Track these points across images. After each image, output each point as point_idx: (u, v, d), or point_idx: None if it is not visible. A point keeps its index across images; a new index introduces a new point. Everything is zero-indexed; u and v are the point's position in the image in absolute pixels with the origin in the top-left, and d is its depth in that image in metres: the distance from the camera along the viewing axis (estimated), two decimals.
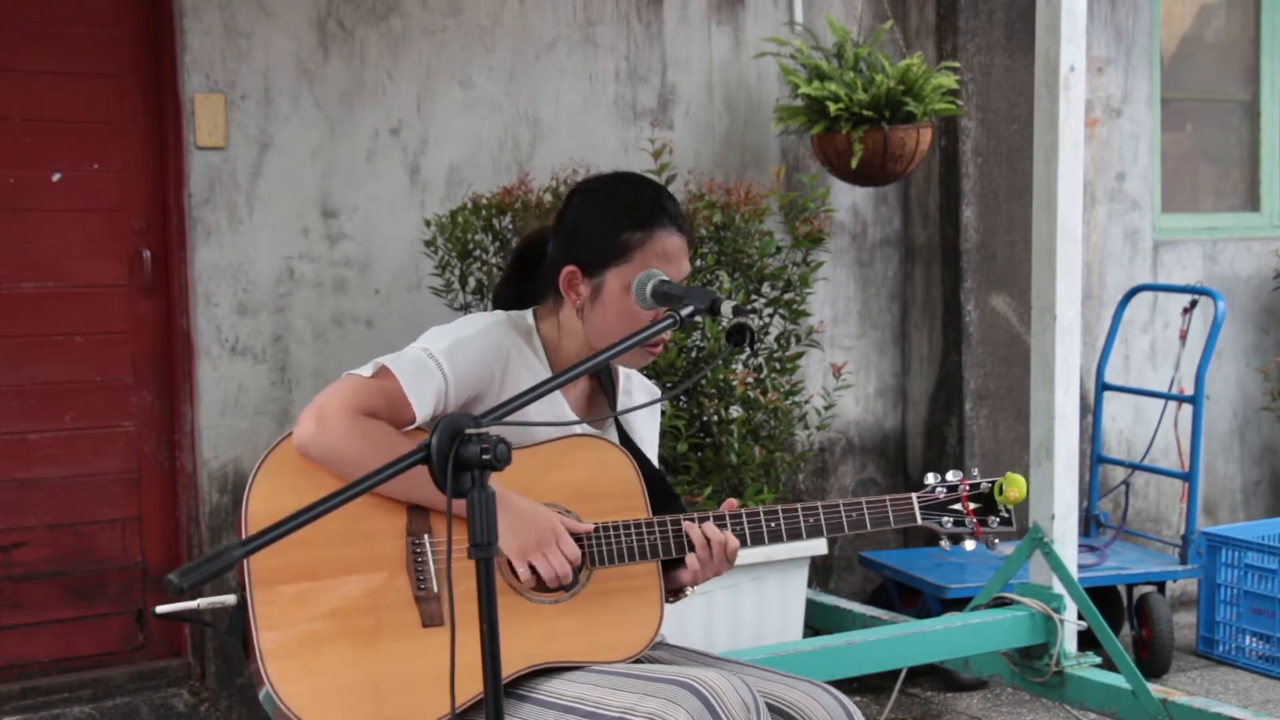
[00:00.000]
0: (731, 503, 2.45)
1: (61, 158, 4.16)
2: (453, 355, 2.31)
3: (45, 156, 4.14)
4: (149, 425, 4.31)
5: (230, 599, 2.20)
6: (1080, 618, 3.92)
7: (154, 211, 4.29)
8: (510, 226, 4.21)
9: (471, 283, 4.22)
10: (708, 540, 2.36)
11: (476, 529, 1.84)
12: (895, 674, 4.01)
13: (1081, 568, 4.39)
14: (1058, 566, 3.91)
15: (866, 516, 2.42)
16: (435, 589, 2.22)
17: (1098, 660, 3.95)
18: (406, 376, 2.26)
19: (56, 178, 4.16)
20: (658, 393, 2.66)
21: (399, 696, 2.16)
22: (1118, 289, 5.66)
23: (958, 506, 2.47)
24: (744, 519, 2.39)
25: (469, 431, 1.83)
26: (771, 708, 2.27)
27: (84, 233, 4.20)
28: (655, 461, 2.60)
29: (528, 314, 2.49)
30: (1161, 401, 5.38)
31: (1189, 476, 5.14)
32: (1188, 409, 5.18)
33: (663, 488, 2.48)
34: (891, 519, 2.43)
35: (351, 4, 4.40)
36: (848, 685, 4.58)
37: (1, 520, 4.12)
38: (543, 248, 2.52)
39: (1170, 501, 5.87)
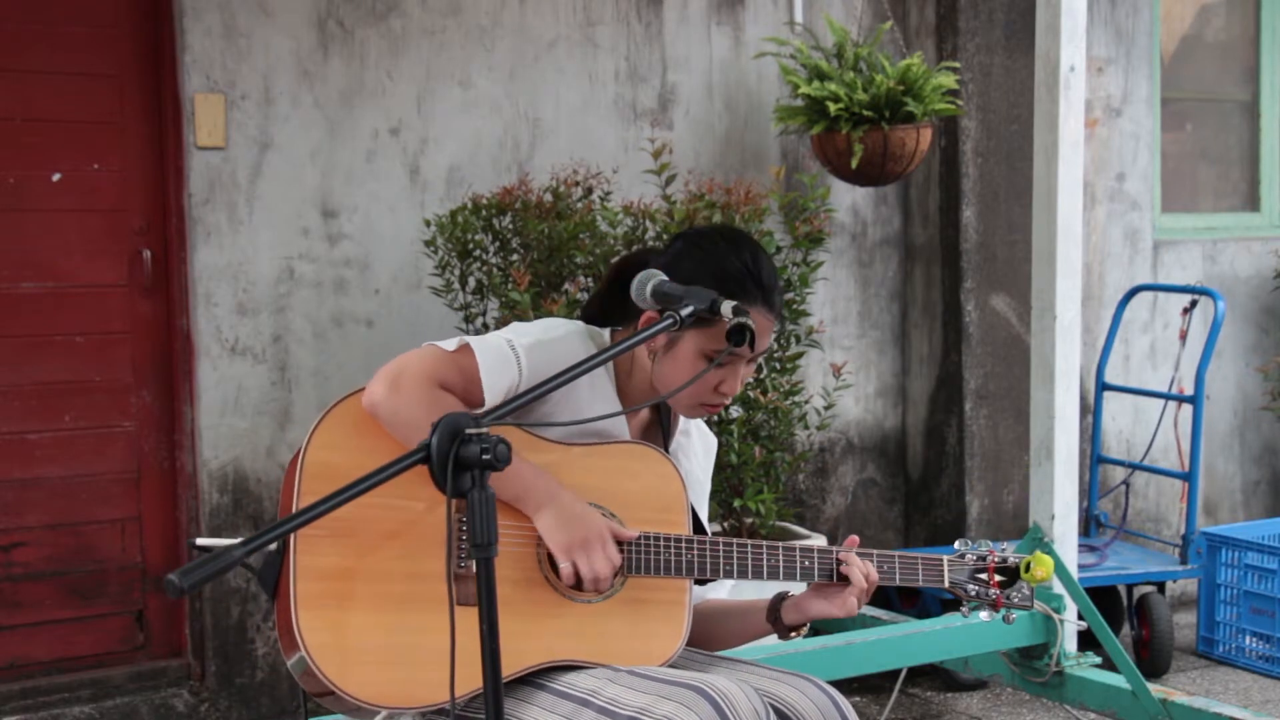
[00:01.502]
0: (854, 540, 2.48)
1: (61, 158, 4.16)
2: (532, 353, 2.31)
3: (45, 156, 4.14)
4: (149, 425, 4.31)
5: (271, 545, 2.19)
6: (1080, 618, 3.92)
7: (154, 211, 4.29)
8: (510, 226, 4.21)
9: (471, 283, 4.22)
10: (866, 579, 2.41)
11: (476, 529, 1.83)
12: (895, 674, 4.01)
13: (1081, 568, 4.40)
14: (1058, 566, 3.91)
15: (897, 571, 2.47)
16: (473, 569, 2.21)
17: (1098, 660, 3.95)
18: (486, 360, 2.27)
19: (56, 178, 4.16)
20: (713, 441, 2.66)
21: (420, 669, 2.17)
22: (1118, 289, 5.66)
23: (984, 576, 2.53)
24: (781, 553, 2.38)
25: (469, 431, 1.83)
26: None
27: (84, 233, 4.20)
28: (704, 509, 2.59)
29: (606, 333, 2.49)
30: (1161, 401, 5.38)
31: (1189, 476, 5.14)
32: (1188, 409, 5.18)
33: (695, 524, 2.48)
34: (920, 578, 2.49)
35: (351, 4, 4.40)
36: (848, 685, 4.58)
37: (1, 520, 4.12)
38: (639, 270, 2.50)
39: (1170, 501, 5.87)
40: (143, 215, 4.28)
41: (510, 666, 2.16)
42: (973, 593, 2.52)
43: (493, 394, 2.27)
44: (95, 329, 4.22)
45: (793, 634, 2.51)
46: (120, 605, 4.29)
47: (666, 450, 2.54)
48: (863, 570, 2.40)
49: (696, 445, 2.61)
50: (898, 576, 2.46)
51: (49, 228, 4.15)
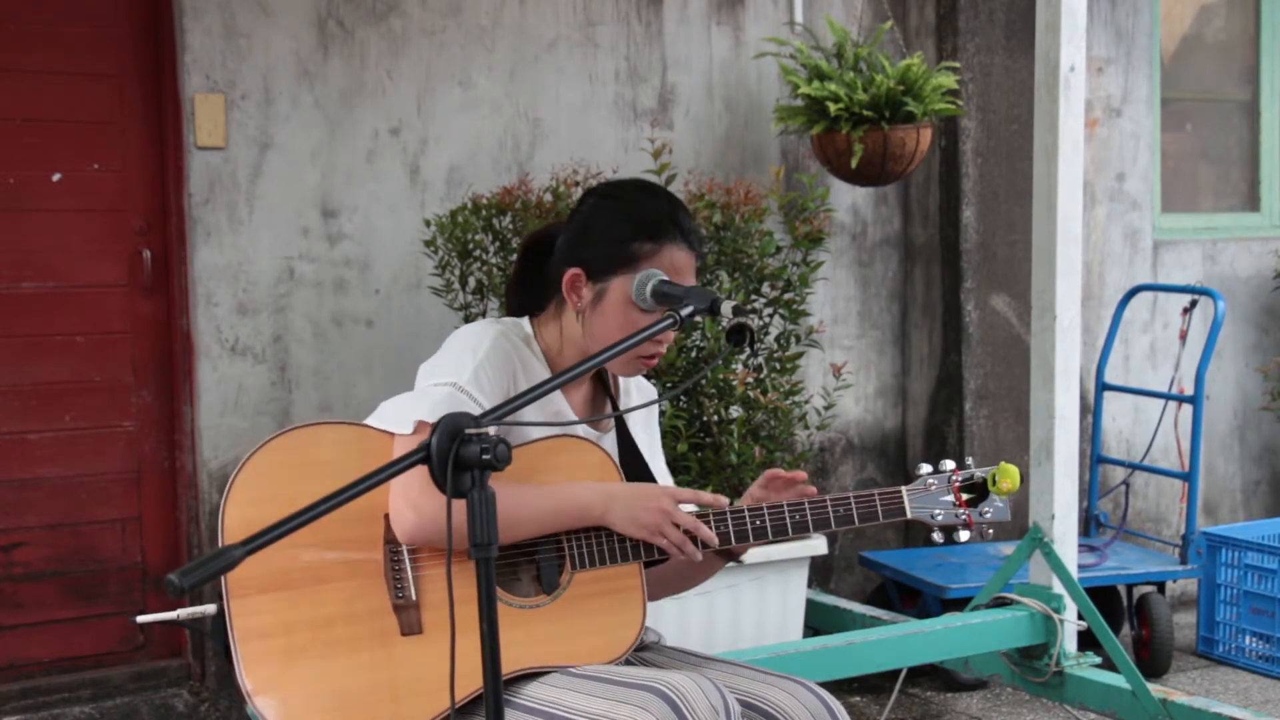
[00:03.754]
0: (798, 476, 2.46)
1: (61, 158, 4.16)
2: (479, 382, 2.29)
3: (45, 156, 4.14)
4: (149, 425, 4.31)
5: (210, 609, 2.20)
6: (1080, 618, 3.92)
7: (154, 211, 4.29)
8: (510, 226, 4.21)
9: (471, 283, 4.22)
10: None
11: (476, 529, 1.83)
12: (895, 674, 4.00)
13: (1081, 568, 4.39)
14: (1058, 566, 3.91)
15: (854, 512, 2.42)
16: (413, 597, 2.22)
17: (1098, 660, 3.95)
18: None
19: (56, 178, 4.16)
20: (651, 391, 2.65)
21: (378, 706, 2.16)
22: (1118, 289, 5.66)
23: (949, 498, 2.46)
24: (728, 517, 2.38)
25: (469, 431, 1.83)
26: (753, 707, 2.28)
27: (84, 233, 4.20)
28: (658, 467, 2.59)
29: (524, 322, 2.48)
30: (1161, 401, 5.38)
31: (1189, 476, 5.14)
32: (1188, 409, 5.18)
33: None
34: (880, 514, 2.43)
35: (351, 4, 4.40)
36: (848, 685, 4.58)
37: (1, 520, 4.12)
38: (548, 245, 2.50)
39: (1170, 501, 5.87)
40: (143, 215, 4.28)
41: (471, 685, 2.15)
42: (940, 518, 2.45)
43: None
44: (95, 329, 4.22)
45: (734, 560, 2.50)
46: (120, 605, 4.29)
47: (623, 422, 2.53)
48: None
49: (637, 403, 2.59)
50: (856, 518, 2.41)
51: (49, 228, 4.15)
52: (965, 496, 2.46)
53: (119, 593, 4.28)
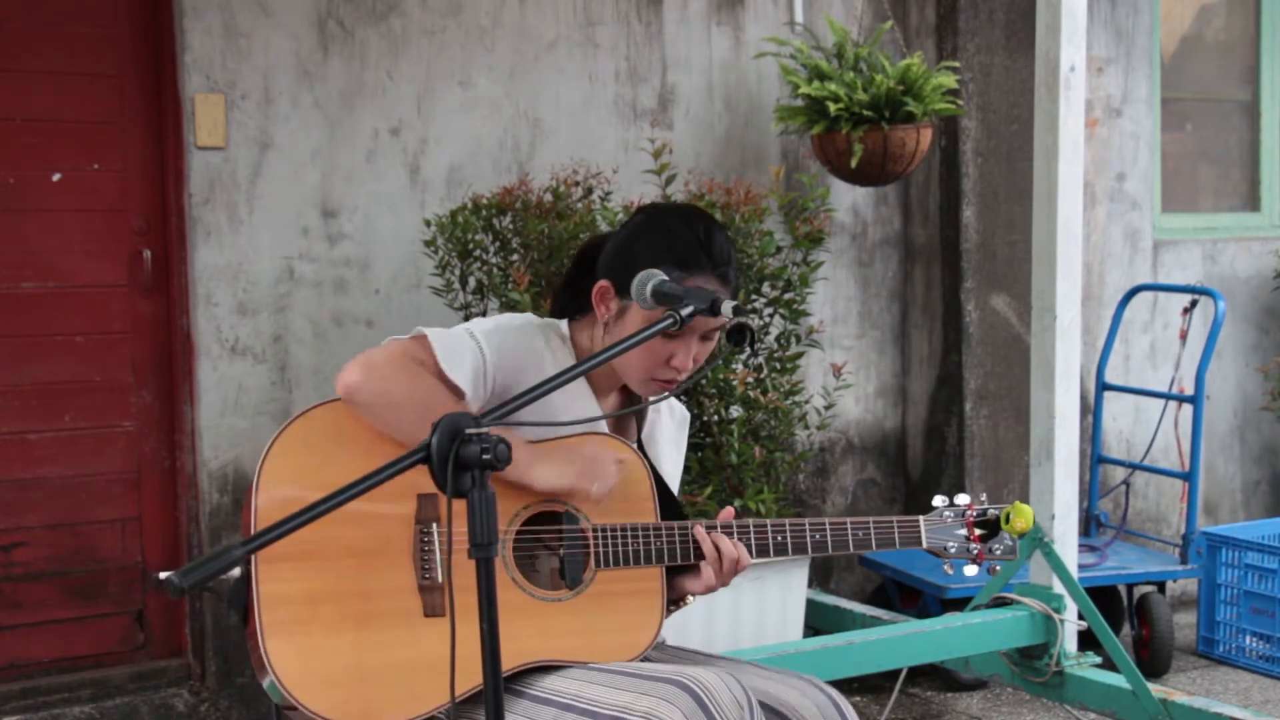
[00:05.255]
0: (729, 511, 2.45)
1: (61, 158, 4.16)
2: (491, 337, 2.33)
3: (45, 156, 4.14)
4: (149, 425, 4.31)
5: (235, 571, 2.21)
6: (1080, 618, 3.92)
7: (154, 211, 4.29)
8: (510, 226, 4.21)
9: (471, 283, 4.23)
10: (719, 553, 2.39)
11: (476, 529, 1.83)
12: (895, 674, 4.01)
13: (1081, 568, 4.40)
14: (1058, 566, 3.91)
15: (872, 537, 2.47)
16: (439, 579, 2.23)
17: (1098, 660, 3.95)
18: (441, 343, 2.29)
19: (56, 178, 4.16)
20: (684, 413, 2.66)
21: (394, 684, 2.17)
22: (1118, 289, 5.66)
23: (963, 531, 2.52)
24: (750, 530, 2.40)
25: (469, 431, 1.83)
26: (764, 705, 2.28)
27: (84, 233, 4.20)
28: (674, 486, 2.60)
29: (562, 323, 2.50)
30: (1161, 401, 5.39)
31: (1189, 476, 5.14)
32: (1188, 409, 5.18)
33: (673, 508, 2.48)
34: (897, 541, 2.49)
35: (351, 4, 4.40)
36: (848, 685, 4.58)
37: (1, 520, 4.12)
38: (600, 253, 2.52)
39: (1170, 501, 5.87)
40: (143, 215, 4.28)
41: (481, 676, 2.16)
42: (952, 550, 2.53)
43: (459, 378, 2.28)
44: (95, 329, 4.22)
45: (672, 609, 2.48)
46: (120, 605, 4.29)
47: (640, 431, 2.54)
48: (710, 545, 2.38)
49: (665, 419, 2.61)
50: (874, 543, 2.47)
51: (49, 228, 4.15)
52: (978, 531, 2.53)
53: (119, 593, 4.28)
